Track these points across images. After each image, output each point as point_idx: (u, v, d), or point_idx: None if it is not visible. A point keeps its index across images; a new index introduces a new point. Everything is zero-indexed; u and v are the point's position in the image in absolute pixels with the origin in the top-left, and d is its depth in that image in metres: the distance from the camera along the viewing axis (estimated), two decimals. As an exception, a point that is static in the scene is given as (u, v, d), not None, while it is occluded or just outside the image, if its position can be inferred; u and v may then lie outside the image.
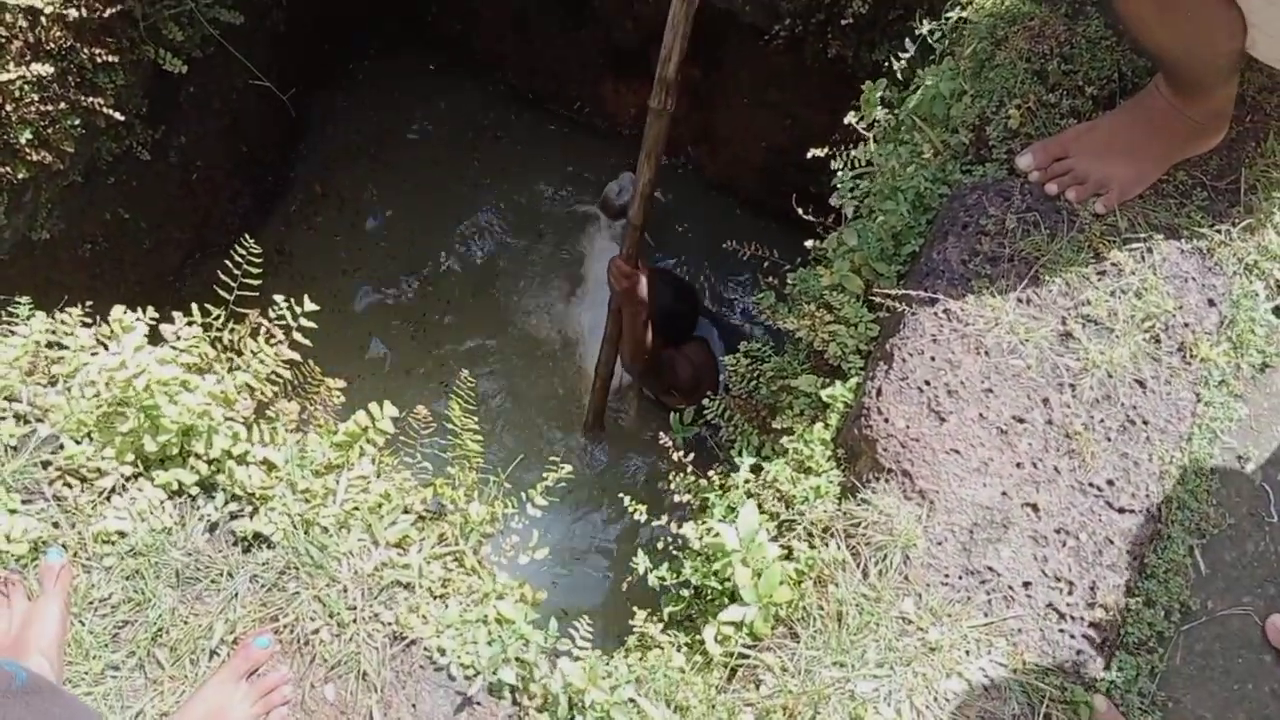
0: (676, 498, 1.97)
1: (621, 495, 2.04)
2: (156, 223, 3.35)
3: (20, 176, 2.50)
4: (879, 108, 2.10)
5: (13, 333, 1.74)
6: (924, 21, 2.24)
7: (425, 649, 1.54)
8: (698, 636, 1.68)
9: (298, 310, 1.67)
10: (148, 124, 2.99)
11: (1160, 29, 1.55)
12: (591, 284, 3.75)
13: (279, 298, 1.79)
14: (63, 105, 2.49)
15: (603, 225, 3.84)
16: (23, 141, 2.44)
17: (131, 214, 3.20)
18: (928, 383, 1.71)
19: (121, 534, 1.54)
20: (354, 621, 1.54)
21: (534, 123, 4.16)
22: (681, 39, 2.00)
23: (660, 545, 1.92)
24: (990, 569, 1.61)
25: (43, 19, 2.30)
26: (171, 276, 3.52)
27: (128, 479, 1.58)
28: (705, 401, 2.20)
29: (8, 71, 2.21)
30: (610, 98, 3.99)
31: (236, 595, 1.54)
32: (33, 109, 2.41)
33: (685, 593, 1.84)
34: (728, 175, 3.94)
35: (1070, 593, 1.60)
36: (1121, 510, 1.64)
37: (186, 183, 3.43)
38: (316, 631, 1.53)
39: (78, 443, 1.58)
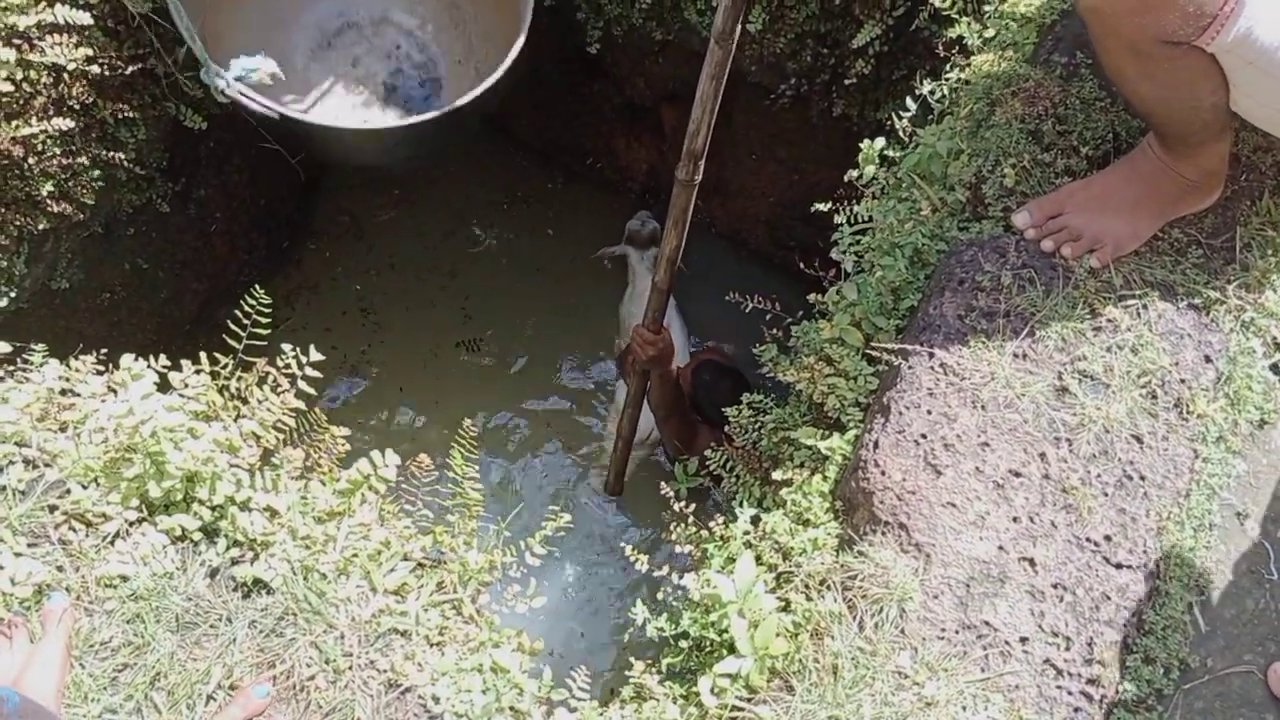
0: (677, 548, 1.98)
1: (624, 544, 2.05)
2: (174, 273, 3.41)
3: (41, 227, 2.56)
4: (878, 165, 2.13)
5: (27, 379, 1.78)
6: (925, 82, 2.29)
7: (420, 697, 1.55)
8: (694, 688, 1.68)
9: (303, 359, 1.70)
10: (168, 177, 3.05)
11: (1141, 81, 1.58)
12: (628, 321, 3.77)
13: (287, 346, 1.83)
14: (84, 159, 2.56)
15: (635, 260, 3.87)
16: (44, 194, 2.49)
17: (150, 264, 3.26)
18: (924, 436, 1.72)
19: (124, 578, 1.56)
20: (350, 668, 1.55)
21: (547, 176, 4.23)
22: (709, 115, 2.03)
23: (660, 596, 1.93)
24: (987, 624, 1.61)
25: (66, 75, 2.36)
26: (188, 326, 3.58)
27: (132, 524, 1.61)
28: (708, 452, 2.21)
29: (30, 125, 2.28)
30: (622, 152, 4.05)
31: (235, 640, 1.56)
32: (55, 162, 2.47)
33: (684, 644, 1.84)
34: (736, 228, 3.98)
35: (1067, 648, 1.59)
36: (1119, 566, 1.64)
37: (205, 234, 3.50)
38: (312, 678, 1.54)
39: (84, 487, 1.61)
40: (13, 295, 2.58)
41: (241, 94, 2.43)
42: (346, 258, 4.05)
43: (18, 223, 2.48)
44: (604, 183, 4.18)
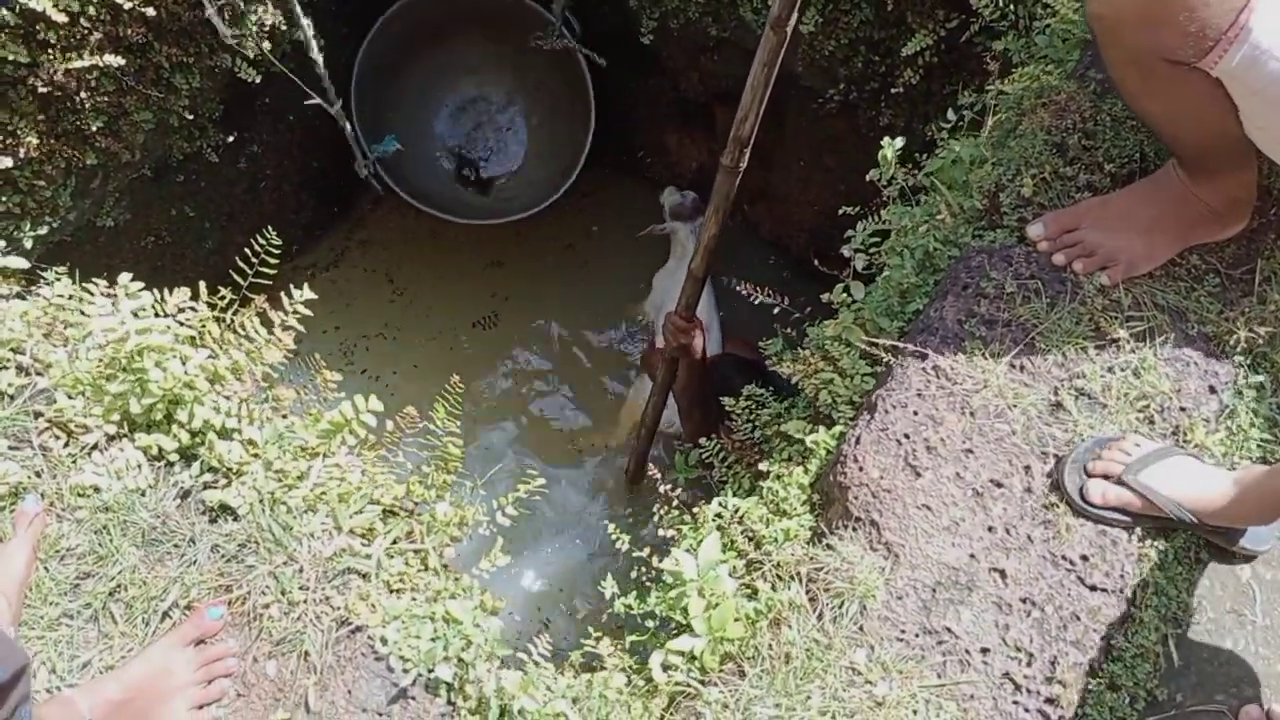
0: (661, 531, 1.97)
1: (606, 522, 2.04)
2: (220, 224, 3.48)
3: (89, 163, 2.63)
4: (904, 169, 2.11)
5: (38, 294, 1.83)
6: (967, 94, 2.26)
7: (369, 637, 1.56)
8: (648, 663, 1.66)
9: (296, 295, 1.73)
10: (220, 128, 3.11)
11: (1145, 98, 1.55)
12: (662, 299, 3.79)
13: (297, 291, 1.86)
14: (135, 99, 2.62)
15: (684, 234, 3.81)
16: (94, 129, 2.56)
17: (197, 213, 3.33)
18: (907, 436, 1.69)
19: (96, 489, 1.60)
20: (304, 602, 1.56)
21: (598, 166, 4.25)
22: (759, 101, 2.02)
23: (633, 575, 1.93)
24: (949, 630, 1.58)
25: (124, 15, 2.43)
26: (229, 278, 3.64)
27: (111, 438, 1.64)
28: (703, 441, 2.20)
29: (83, 59, 2.34)
30: (673, 148, 4.05)
31: (196, 562, 1.58)
32: (106, 98, 2.54)
33: (650, 624, 1.83)
34: (779, 234, 3.96)
35: (1029, 664, 1.55)
36: (1093, 588, 1.59)
37: (254, 189, 3.57)
38: (267, 607, 1.56)
39: (70, 398, 1.64)
40: (55, 225, 2.65)
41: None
42: (398, 229, 4.11)
43: (66, 154, 2.55)
44: (651, 177, 4.17)
